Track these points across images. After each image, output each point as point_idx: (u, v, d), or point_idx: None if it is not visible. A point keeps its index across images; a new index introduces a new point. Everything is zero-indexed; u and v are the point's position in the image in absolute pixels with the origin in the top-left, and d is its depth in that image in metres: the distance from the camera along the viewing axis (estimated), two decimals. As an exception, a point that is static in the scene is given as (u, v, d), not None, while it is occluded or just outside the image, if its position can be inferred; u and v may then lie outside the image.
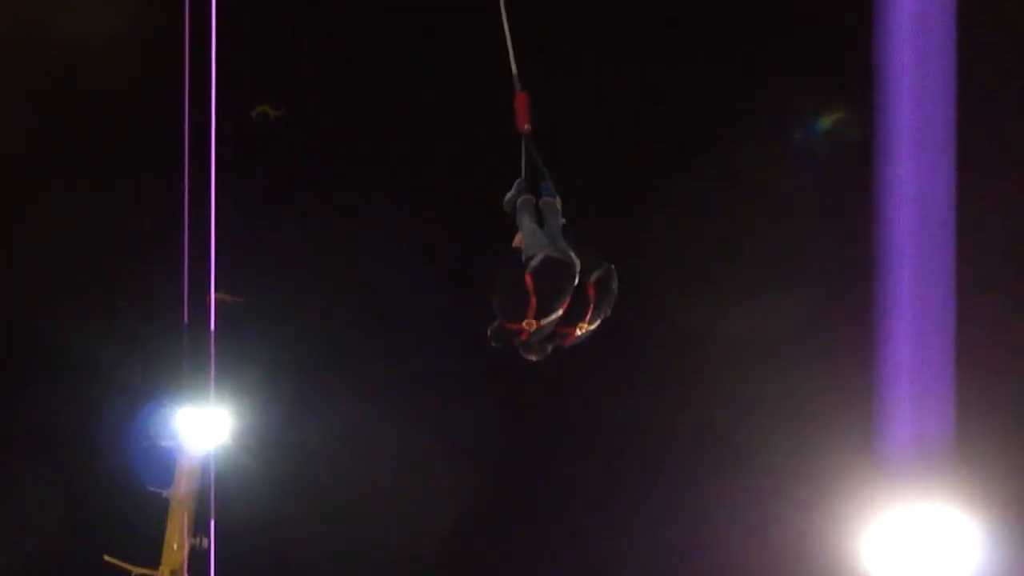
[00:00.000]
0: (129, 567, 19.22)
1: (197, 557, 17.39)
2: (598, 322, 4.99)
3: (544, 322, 4.76)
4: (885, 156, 12.87)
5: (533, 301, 4.65)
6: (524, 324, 4.75)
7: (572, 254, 4.96)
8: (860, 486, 13.05)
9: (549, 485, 17.56)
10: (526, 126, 5.67)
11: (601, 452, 17.41)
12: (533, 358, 4.85)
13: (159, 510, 18.79)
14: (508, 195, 5.45)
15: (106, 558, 19.51)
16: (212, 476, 17.16)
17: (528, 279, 4.74)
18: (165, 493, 19.00)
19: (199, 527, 17.85)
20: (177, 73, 15.05)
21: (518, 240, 5.09)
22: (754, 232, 16.00)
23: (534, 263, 4.80)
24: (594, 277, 4.89)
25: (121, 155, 17.84)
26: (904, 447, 12.76)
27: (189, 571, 17.48)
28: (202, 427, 17.27)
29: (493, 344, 4.85)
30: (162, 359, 18.09)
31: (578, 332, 4.93)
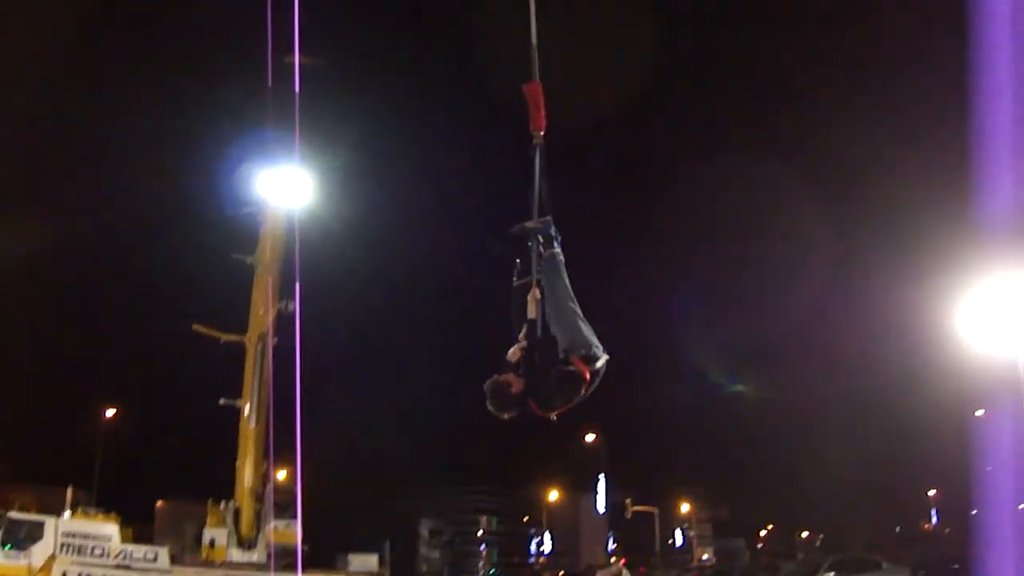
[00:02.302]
0: (218, 335, 19.71)
1: (284, 320, 17.67)
2: None
3: (563, 411, 4.38)
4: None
5: (577, 398, 4.25)
6: (552, 414, 4.30)
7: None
8: (958, 252, 12.75)
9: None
10: (540, 132, 4.55)
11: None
12: (501, 415, 4.34)
13: (246, 277, 19.12)
14: (530, 224, 4.43)
15: (195, 327, 20.06)
16: (297, 240, 17.21)
17: (587, 379, 4.17)
18: (250, 259, 19.27)
19: (285, 291, 18.11)
20: None
21: (535, 298, 4.37)
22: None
23: (596, 366, 4.19)
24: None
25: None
26: (1002, 213, 12.30)
27: (275, 334, 17.79)
28: (286, 189, 17.30)
29: (486, 389, 4.31)
30: (247, 123, 18.09)
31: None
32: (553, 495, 49.05)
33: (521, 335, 4.22)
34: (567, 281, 4.28)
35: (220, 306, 21.59)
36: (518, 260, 4.39)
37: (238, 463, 17.32)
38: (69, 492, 17.13)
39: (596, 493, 58.90)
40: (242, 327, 18.81)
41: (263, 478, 17.28)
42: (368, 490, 37.99)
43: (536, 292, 4.27)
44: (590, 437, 38.89)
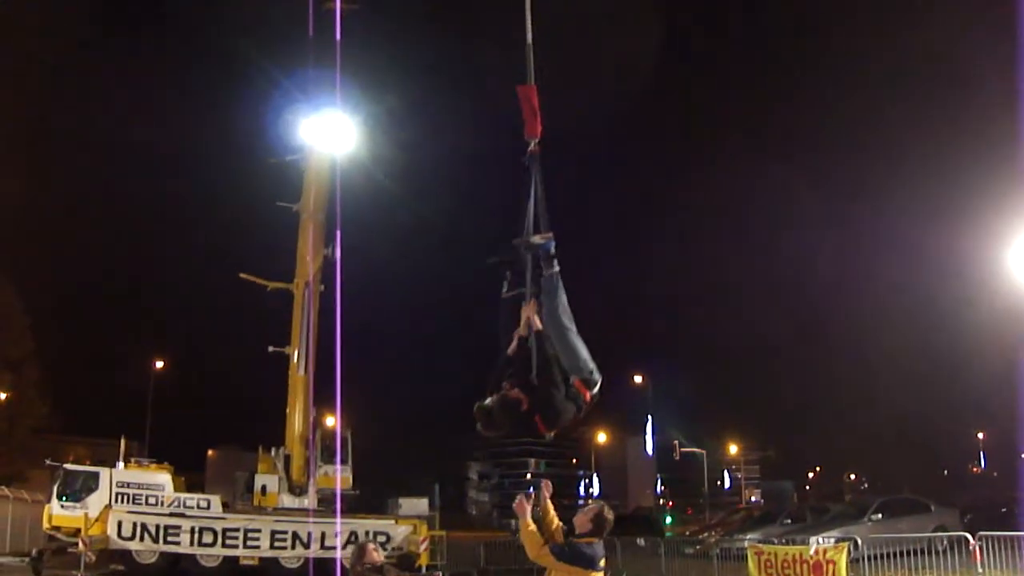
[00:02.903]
0: (265, 282, 19.75)
1: (331, 267, 17.69)
2: None
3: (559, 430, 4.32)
4: None
5: (576, 418, 4.16)
6: (549, 432, 4.14)
7: None
8: (1009, 194, 12.58)
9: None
10: (535, 139, 4.08)
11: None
12: (490, 432, 4.23)
13: (292, 224, 19.15)
14: (535, 240, 4.11)
15: (242, 275, 20.10)
16: (338, 186, 17.21)
17: (587, 400, 4.06)
18: (295, 206, 19.29)
19: (331, 238, 18.11)
20: None
21: (527, 315, 4.14)
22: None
23: (595, 390, 4.11)
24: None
25: None
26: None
27: (322, 282, 17.87)
28: (330, 135, 17.27)
29: (492, 407, 4.16)
30: (290, 70, 18.06)
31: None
32: (601, 437, 49.34)
33: (511, 349, 4.12)
34: (565, 300, 4.11)
35: (267, 254, 21.73)
36: (508, 272, 4.18)
37: (288, 410, 17.46)
38: (122, 443, 17.35)
39: (644, 435, 59.09)
40: (289, 274, 18.87)
41: (312, 424, 17.45)
42: (418, 435, 38.31)
43: (529, 308, 4.13)
44: (638, 379, 38.87)
